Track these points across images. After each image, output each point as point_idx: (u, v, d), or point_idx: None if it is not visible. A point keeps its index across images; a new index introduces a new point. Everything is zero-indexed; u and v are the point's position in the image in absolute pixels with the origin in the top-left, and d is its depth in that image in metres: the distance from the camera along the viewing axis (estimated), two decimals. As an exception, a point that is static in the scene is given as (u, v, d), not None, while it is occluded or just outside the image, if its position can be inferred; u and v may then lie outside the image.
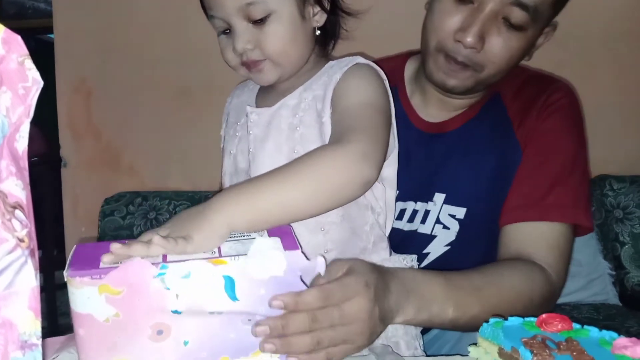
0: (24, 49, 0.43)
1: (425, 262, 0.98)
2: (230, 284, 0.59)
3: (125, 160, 2.13)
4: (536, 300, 0.85)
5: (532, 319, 0.63)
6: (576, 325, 0.61)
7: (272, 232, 0.66)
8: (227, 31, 0.81)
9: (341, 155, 0.70)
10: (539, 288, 0.86)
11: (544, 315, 0.62)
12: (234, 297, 0.59)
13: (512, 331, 0.61)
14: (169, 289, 0.57)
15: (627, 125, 2.03)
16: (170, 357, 0.59)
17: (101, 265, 0.58)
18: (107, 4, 2.09)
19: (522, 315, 0.70)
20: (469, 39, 0.88)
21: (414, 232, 0.99)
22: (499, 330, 0.61)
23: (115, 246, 0.59)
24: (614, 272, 1.87)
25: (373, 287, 0.66)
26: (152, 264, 0.57)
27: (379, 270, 0.70)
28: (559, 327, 0.61)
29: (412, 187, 0.98)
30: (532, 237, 0.91)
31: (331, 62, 0.85)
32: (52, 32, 2.16)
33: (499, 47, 0.89)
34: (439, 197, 0.99)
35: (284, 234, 0.65)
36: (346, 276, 0.66)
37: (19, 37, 0.42)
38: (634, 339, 0.56)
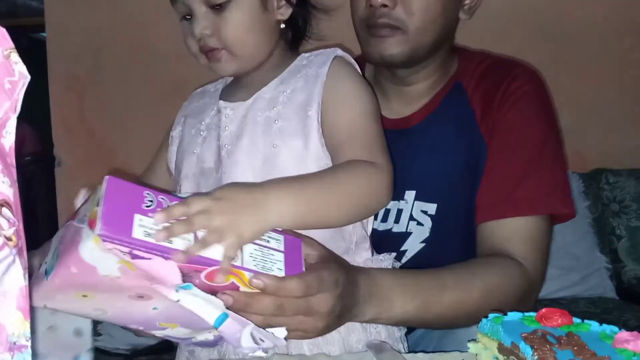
0: (9, 42, 0.41)
1: (403, 260, 0.97)
2: (223, 317, 0.60)
3: (119, 159, 2.11)
4: (512, 295, 0.84)
5: (531, 313, 0.62)
6: (576, 320, 0.61)
7: (287, 241, 0.67)
8: (188, 17, 0.80)
9: (380, 182, 0.75)
10: (514, 283, 0.85)
11: (543, 310, 0.61)
12: (217, 326, 0.61)
13: (511, 326, 0.60)
14: (177, 292, 0.58)
15: (623, 120, 2.03)
16: (136, 314, 0.62)
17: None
18: (99, 1, 2.08)
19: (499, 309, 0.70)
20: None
21: (389, 232, 0.98)
22: (498, 325, 0.61)
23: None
24: (610, 266, 1.87)
25: (341, 285, 0.67)
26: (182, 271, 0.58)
27: (348, 268, 0.71)
28: (559, 321, 0.60)
29: None
30: (505, 233, 0.90)
31: (304, 55, 0.84)
32: (44, 31, 2.14)
33: None
34: (410, 195, 0.98)
35: (295, 249, 0.67)
36: (321, 269, 0.66)
37: (3, 30, 0.41)
38: (635, 332, 0.55)
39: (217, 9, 0.77)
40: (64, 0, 2.09)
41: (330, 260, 0.69)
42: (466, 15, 0.99)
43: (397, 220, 0.98)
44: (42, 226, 2.53)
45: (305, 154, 0.77)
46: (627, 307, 1.74)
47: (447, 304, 0.80)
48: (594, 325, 0.60)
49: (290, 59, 0.84)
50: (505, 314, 0.63)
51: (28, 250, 0.43)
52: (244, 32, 0.78)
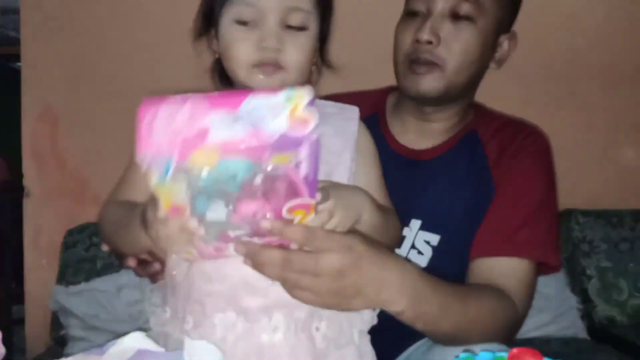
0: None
1: None
2: None
3: (90, 191, 2.06)
4: (500, 324, 0.90)
5: (503, 354, 0.61)
6: (547, 360, 0.60)
7: None
8: (245, 23, 0.76)
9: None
10: (507, 315, 0.91)
11: (514, 350, 0.61)
12: None
13: (482, 367, 0.59)
14: None
15: (592, 160, 2.07)
16: None
17: None
18: (76, 33, 2.07)
19: (487, 334, 0.81)
20: (425, 36, 0.97)
21: None
22: (469, 365, 0.60)
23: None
24: (581, 306, 1.87)
25: (357, 254, 0.66)
26: None
27: (374, 244, 0.71)
28: (530, 362, 0.59)
29: None
30: (502, 270, 0.94)
31: (323, 101, 0.84)
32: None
33: (453, 38, 0.97)
34: (415, 223, 1.01)
35: None
36: (336, 233, 0.67)
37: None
38: (604, 374, 0.55)
39: (288, 29, 0.77)
40: (40, 31, 2.08)
41: (352, 231, 0.69)
42: (495, 65, 1.07)
43: (398, 246, 1.00)
44: (7, 259, 2.45)
45: None
46: (599, 348, 1.74)
47: (451, 318, 0.82)
48: (564, 366, 0.60)
49: None
50: (476, 354, 0.62)
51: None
52: (304, 61, 0.80)
